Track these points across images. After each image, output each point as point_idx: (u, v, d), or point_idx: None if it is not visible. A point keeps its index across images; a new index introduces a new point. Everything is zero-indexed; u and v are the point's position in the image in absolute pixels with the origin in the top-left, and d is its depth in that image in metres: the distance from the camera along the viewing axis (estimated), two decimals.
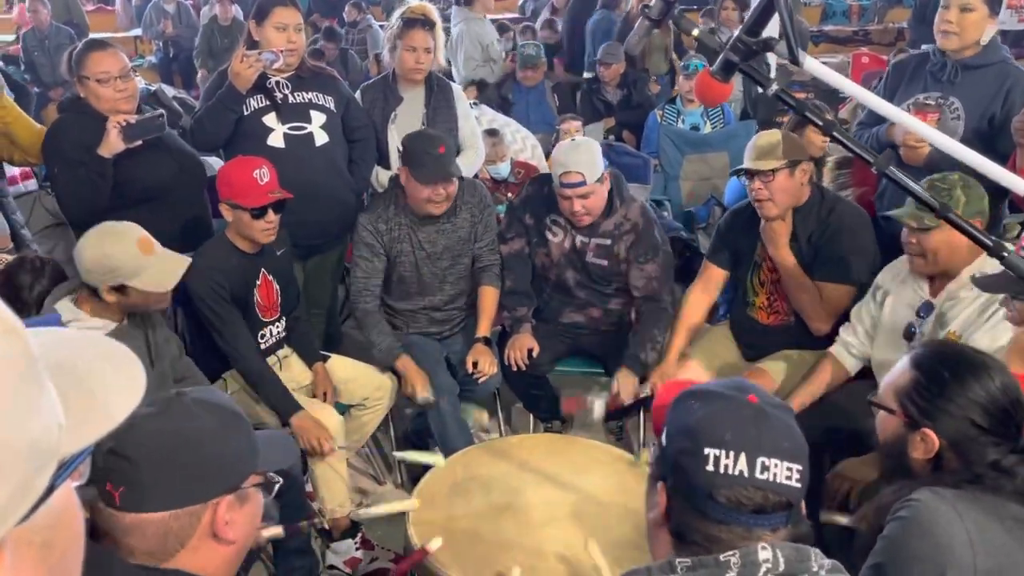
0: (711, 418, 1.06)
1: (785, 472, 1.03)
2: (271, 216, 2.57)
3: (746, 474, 1.03)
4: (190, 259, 2.28)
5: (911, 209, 2.24)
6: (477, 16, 6.09)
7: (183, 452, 1.13)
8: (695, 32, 1.33)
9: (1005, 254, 1.20)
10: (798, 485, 1.05)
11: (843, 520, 2.05)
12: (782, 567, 1.02)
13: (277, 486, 1.25)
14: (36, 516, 0.54)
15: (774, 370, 2.72)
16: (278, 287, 2.76)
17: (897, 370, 1.60)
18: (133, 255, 2.13)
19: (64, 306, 2.18)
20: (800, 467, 1.05)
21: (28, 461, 0.52)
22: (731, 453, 1.03)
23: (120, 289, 2.14)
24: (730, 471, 1.03)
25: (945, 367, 1.53)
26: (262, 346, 2.72)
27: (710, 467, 1.04)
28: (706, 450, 1.04)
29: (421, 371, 2.84)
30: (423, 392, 2.80)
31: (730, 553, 1.03)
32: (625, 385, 2.79)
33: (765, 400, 1.10)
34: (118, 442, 1.11)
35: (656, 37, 6.09)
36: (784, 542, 1.05)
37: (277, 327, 2.80)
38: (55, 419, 0.56)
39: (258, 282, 2.69)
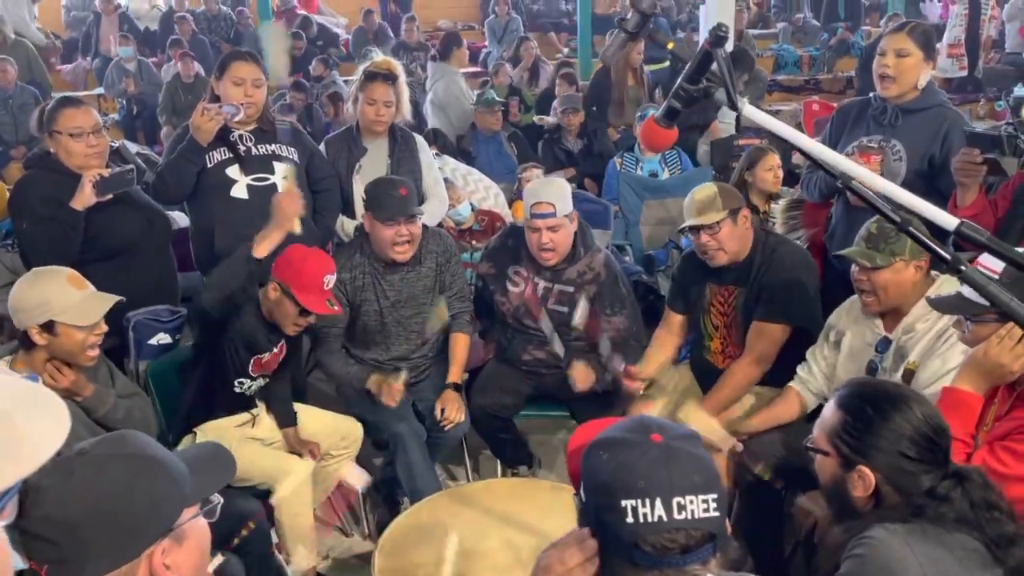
0: (621, 469, 1.08)
1: (701, 506, 1.06)
2: (312, 319, 2.60)
3: (665, 518, 1.05)
4: (118, 297, 2.27)
5: (862, 248, 2.32)
6: (454, 69, 6.33)
7: (98, 515, 1.08)
8: (670, 44, 1.37)
9: (962, 267, 1.24)
10: (716, 514, 1.07)
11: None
12: None
13: (219, 505, 1.22)
14: None
15: (735, 408, 2.76)
16: (285, 355, 2.78)
17: (826, 413, 1.67)
18: (63, 288, 2.18)
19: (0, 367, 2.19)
20: (715, 495, 1.08)
21: None
22: (647, 501, 1.05)
23: (48, 328, 2.15)
24: (649, 519, 1.05)
25: (867, 404, 1.59)
26: (237, 389, 2.70)
27: (630, 519, 1.06)
28: (623, 503, 1.06)
29: (391, 379, 2.84)
30: (398, 392, 2.80)
31: None
32: (579, 372, 2.84)
33: (669, 435, 1.12)
34: (28, 521, 1.05)
35: (631, 89, 6.30)
36: (728, 572, 1.08)
37: (261, 380, 2.78)
38: None
39: (275, 349, 2.70)
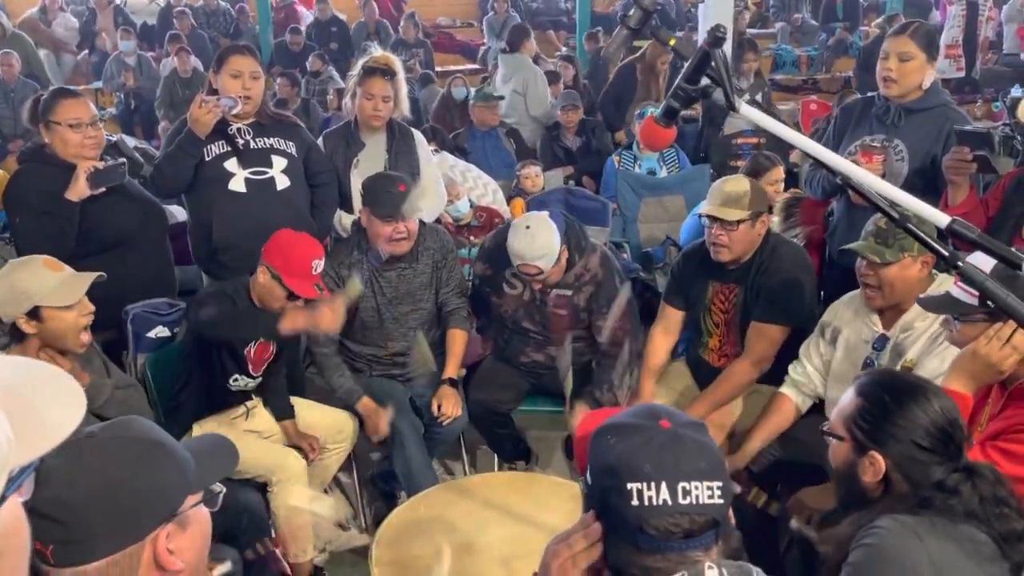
0: (628, 452, 1.09)
1: (706, 492, 1.06)
2: (300, 304, 2.60)
3: (670, 502, 1.05)
4: (96, 274, 2.27)
5: (871, 244, 2.32)
6: (527, 59, 6.41)
7: (104, 496, 1.08)
8: (672, 41, 1.36)
9: (959, 263, 1.25)
10: (720, 501, 1.08)
11: (811, 535, 2.10)
12: None
13: (221, 495, 1.22)
14: None
15: (732, 404, 2.77)
16: (275, 349, 2.75)
17: (845, 399, 1.68)
18: (41, 274, 2.18)
19: None
20: (720, 483, 1.08)
21: None
22: (652, 484, 1.05)
23: (35, 315, 2.16)
24: (654, 502, 1.05)
25: (886, 392, 1.61)
26: (232, 388, 2.71)
27: (635, 501, 1.06)
28: (629, 485, 1.06)
29: (381, 411, 2.84)
30: (382, 431, 2.80)
31: (679, 574, 1.05)
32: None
33: (677, 422, 1.12)
34: (35, 500, 1.02)
35: (652, 92, 6.33)
36: (728, 561, 1.08)
37: (257, 378, 2.78)
38: (4, 435, 0.60)
39: (262, 339, 2.69)
